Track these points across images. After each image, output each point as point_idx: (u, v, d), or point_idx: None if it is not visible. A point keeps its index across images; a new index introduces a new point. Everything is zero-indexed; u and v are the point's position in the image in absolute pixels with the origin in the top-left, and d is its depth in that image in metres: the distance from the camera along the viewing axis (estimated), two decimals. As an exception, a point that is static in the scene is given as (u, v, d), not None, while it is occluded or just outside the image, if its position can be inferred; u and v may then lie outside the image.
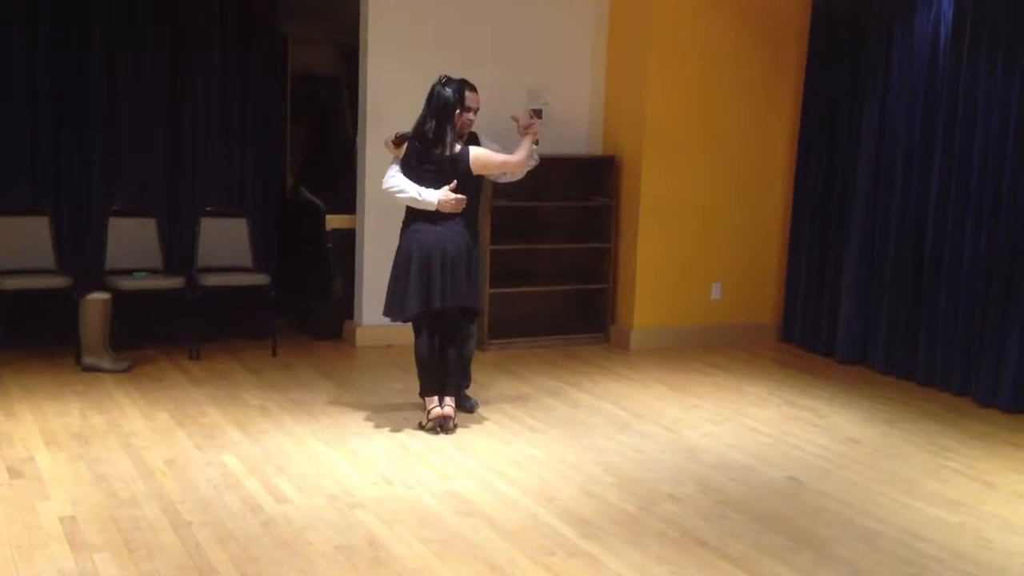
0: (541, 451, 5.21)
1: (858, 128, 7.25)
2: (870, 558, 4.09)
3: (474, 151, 5.36)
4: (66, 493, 4.40)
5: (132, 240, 6.78)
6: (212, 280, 6.77)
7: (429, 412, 5.42)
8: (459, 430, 5.47)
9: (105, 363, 6.30)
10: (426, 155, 5.29)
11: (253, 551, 3.91)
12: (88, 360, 6.30)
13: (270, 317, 6.95)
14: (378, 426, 5.50)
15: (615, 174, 7.52)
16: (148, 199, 6.90)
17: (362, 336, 7.24)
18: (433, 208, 5.25)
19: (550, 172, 7.42)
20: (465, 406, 5.73)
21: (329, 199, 7.54)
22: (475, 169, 5.34)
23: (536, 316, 7.61)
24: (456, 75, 7.18)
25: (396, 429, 5.46)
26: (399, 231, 5.46)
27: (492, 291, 7.22)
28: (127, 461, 4.81)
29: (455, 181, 5.25)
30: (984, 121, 6.37)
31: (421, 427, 5.45)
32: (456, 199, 5.24)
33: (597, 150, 7.74)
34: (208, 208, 6.97)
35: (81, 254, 6.73)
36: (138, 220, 6.82)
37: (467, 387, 5.84)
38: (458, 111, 5.32)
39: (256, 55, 7.16)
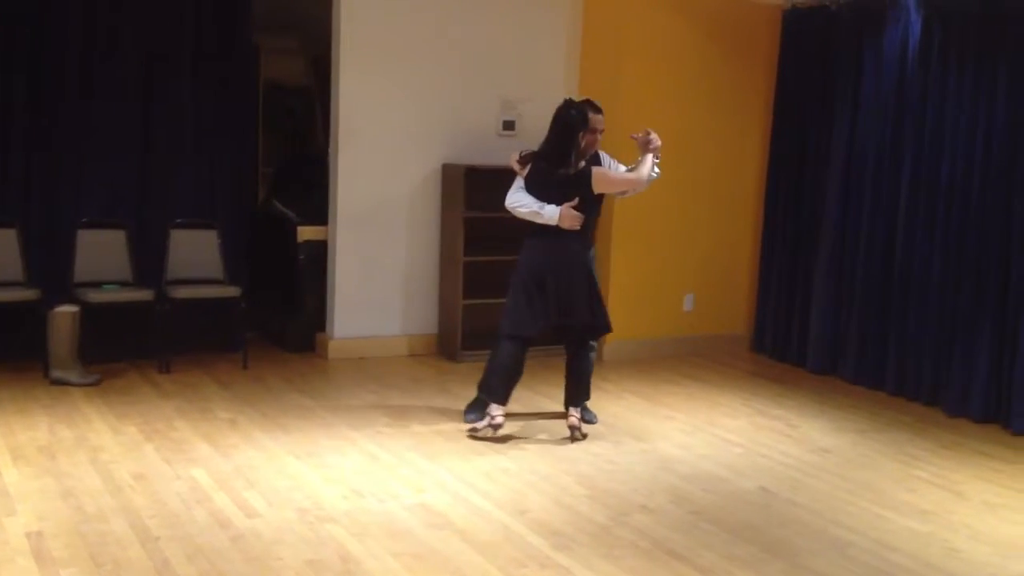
0: (514, 463, 5.20)
1: (828, 142, 7.31)
2: (841, 568, 4.11)
3: (596, 170, 5.49)
4: (33, 508, 4.34)
5: (101, 252, 6.72)
6: (182, 292, 6.72)
7: (494, 418, 5.48)
8: (431, 442, 5.46)
9: (73, 376, 6.24)
10: (550, 174, 5.42)
11: (222, 566, 3.87)
12: (56, 373, 6.24)
13: (241, 329, 6.91)
14: (350, 439, 5.47)
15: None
16: (118, 211, 6.84)
17: (334, 348, 7.21)
18: (554, 223, 5.37)
19: (523, 184, 7.45)
20: (586, 418, 5.78)
21: (301, 211, 7.52)
22: (596, 188, 5.47)
23: (509, 328, 7.58)
24: (429, 87, 7.27)
25: (368, 442, 5.43)
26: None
27: (466, 302, 7.21)
28: (95, 476, 4.76)
29: (576, 199, 5.38)
30: (952, 135, 6.44)
31: (476, 434, 5.50)
32: (575, 215, 5.36)
33: (569, 162, 7.74)
34: (178, 220, 6.92)
35: (49, 266, 6.65)
36: (107, 232, 6.75)
37: (587, 399, 5.84)
38: (582, 132, 5.44)
39: (228, 66, 7.13)
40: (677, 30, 7.51)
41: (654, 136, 5.65)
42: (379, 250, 7.28)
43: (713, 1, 7.59)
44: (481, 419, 5.62)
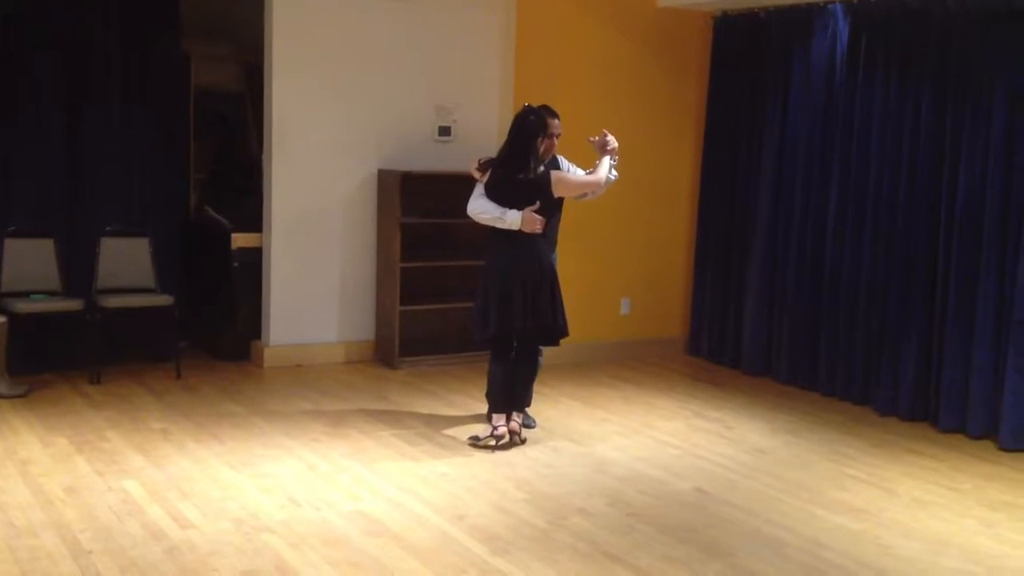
0: (452, 468, 5.19)
1: (759, 147, 7.42)
2: (776, 567, 4.16)
3: (555, 174, 5.56)
4: (-42, 524, 4.24)
5: (29, 261, 6.57)
6: (113, 301, 6.61)
7: (496, 428, 5.50)
8: (369, 449, 5.43)
9: (1, 388, 6.10)
10: (510, 180, 5.45)
11: (156, 579, 3.81)
12: (-18, 386, 6.10)
13: (174, 338, 6.81)
14: (286, 448, 5.42)
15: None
16: (46, 219, 6.70)
17: (270, 356, 7.14)
18: (516, 228, 5.41)
19: (460, 189, 7.42)
20: (526, 423, 5.78)
21: (235, 218, 7.43)
22: (556, 191, 5.54)
23: (447, 333, 7.58)
24: (363, 92, 7.23)
25: (304, 450, 5.39)
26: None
27: (402, 309, 7.18)
28: (24, 489, 4.66)
29: (537, 203, 5.44)
30: (879, 139, 6.57)
31: (477, 443, 5.51)
32: (537, 219, 5.43)
33: (505, 167, 7.76)
34: (109, 228, 6.80)
35: (-25, 277, 6.51)
36: (35, 241, 6.61)
37: (528, 405, 5.85)
38: (541, 137, 5.50)
39: (157, 73, 7.02)
40: (610, 37, 7.57)
41: (611, 138, 5.75)
42: (315, 257, 7.23)
43: (645, 8, 7.66)
44: (535, 423, 5.84)
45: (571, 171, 5.77)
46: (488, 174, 5.51)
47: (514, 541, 4.30)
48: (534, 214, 5.44)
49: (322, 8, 7.07)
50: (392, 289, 7.21)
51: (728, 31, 7.64)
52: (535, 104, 5.64)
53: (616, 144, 5.74)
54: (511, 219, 5.43)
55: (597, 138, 5.77)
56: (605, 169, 5.70)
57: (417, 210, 7.23)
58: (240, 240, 7.29)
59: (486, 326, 5.51)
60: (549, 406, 6.39)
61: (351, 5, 7.16)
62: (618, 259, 7.79)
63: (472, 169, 5.60)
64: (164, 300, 6.74)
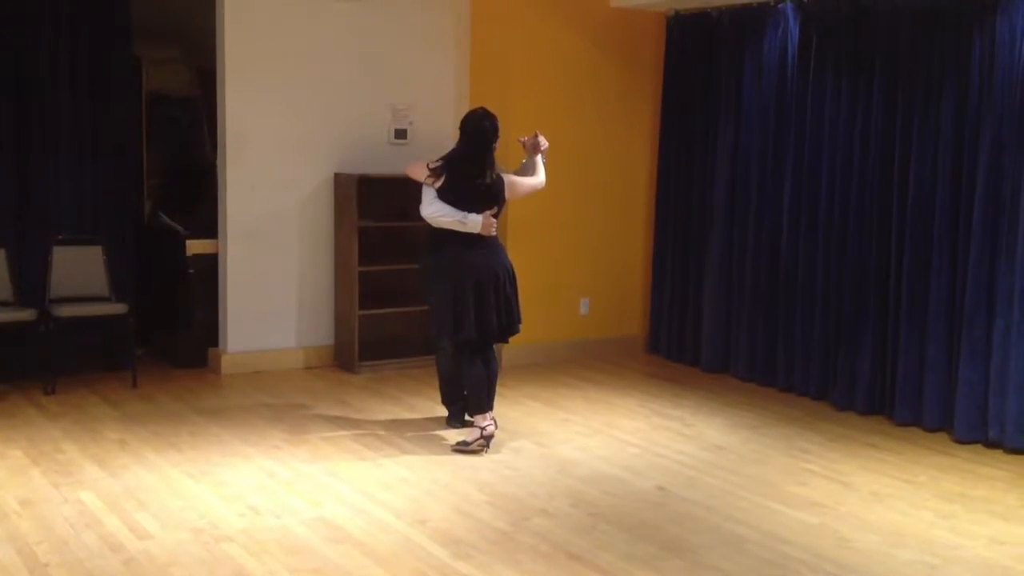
0: (414, 472, 5.18)
1: (713, 146, 7.47)
2: (737, 563, 4.19)
3: (508, 178, 5.65)
4: (-91, 541, 4.16)
5: (-21, 272, 6.49)
6: (66, 311, 6.52)
7: (484, 429, 5.53)
8: (330, 455, 5.40)
9: (-48, 401, 6.00)
10: (469, 184, 5.48)
11: (114, 591, 3.77)
12: (-67, 399, 5.99)
13: (129, 347, 6.73)
14: (245, 455, 5.38)
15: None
16: (-4, 228, 6.61)
17: (228, 363, 7.08)
18: (476, 231, 5.47)
19: (416, 192, 7.41)
20: (460, 422, 5.88)
21: (189, 224, 7.36)
22: (508, 195, 5.65)
23: (406, 337, 7.57)
24: (318, 96, 7.20)
25: (264, 457, 5.35)
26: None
27: (361, 313, 7.15)
28: (-23, 503, 4.59)
29: (496, 207, 5.55)
30: (831, 138, 6.64)
31: (465, 448, 5.51)
32: (494, 223, 5.54)
33: (462, 169, 7.76)
34: (61, 236, 6.71)
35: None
36: (-14, 251, 6.53)
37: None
38: (496, 142, 5.56)
39: (108, 78, 6.94)
40: (565, 37, 7.58)
41: (542, 139, 5.81)
42: (272, 262, 7.18)
43: (599, 8, 7.68)
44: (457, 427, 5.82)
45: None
46: (443, 179, 5.50)
47: (476, 544, 4.30)
48: (492, 218, 5.51)
49: (274, 10, 7.03)
50: (351, 293, 7.18)
51: (681, 31, 7.68)
52: (477, 108, 5.67)
53: (547, 144, 5.82)
54: (473, 222, 5.47)
55: (528, 138, 5.83)
56: (543, 171, 5.81)
57: (374, 213, 7.21)
58: (195, 247, 7.22)
59: (460, 329, 5.50)
60: (510, 407, 6.40)
61: (303, 7, 7.13)
62: (576, 259, 7.81)
63: (421, 173, 5.56)
64: (119, 308, 6.66)
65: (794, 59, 6.88)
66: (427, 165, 5.56)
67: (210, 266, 7.18)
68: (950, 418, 6.03)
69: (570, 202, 7.66)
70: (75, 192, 6.87)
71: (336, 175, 7.30)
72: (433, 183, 5.53)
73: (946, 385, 6.07)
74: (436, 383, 5.98)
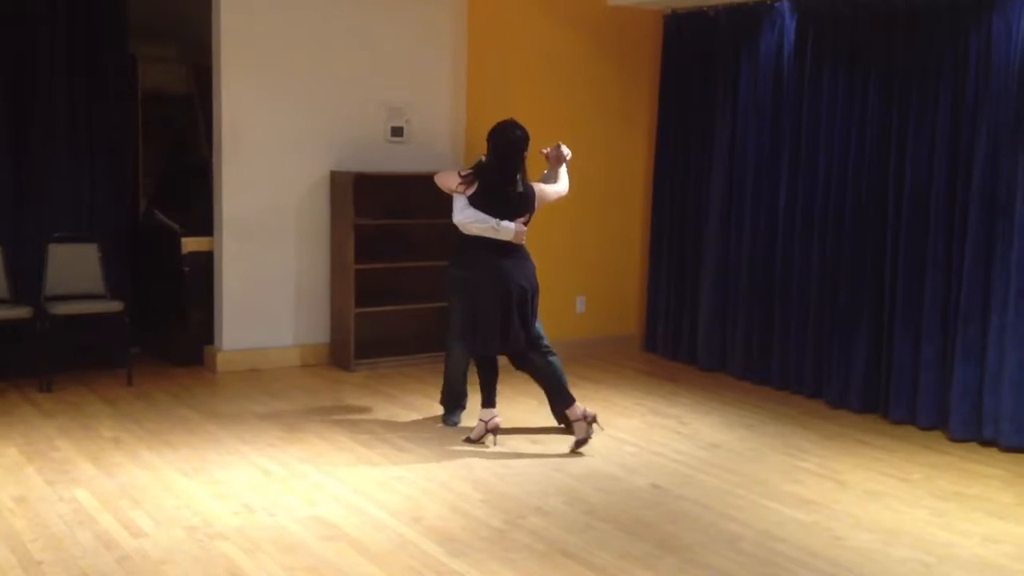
0: (409, 471, 5.18)
1: (711, 144, 7.46)
2: (731, 560, 4.20)
3: (538, 187, 5.73)
4: (-97, 539, 4.16)
5: (-25, 270, 6.48)
6: (62, 309, 6.52)
7: (489, 422, 5.64)
8: (325, 453, 5.40)
9: (-53, 399, 6.00)
10: (502, 192, 5.53)
11: (108, 589, 3.77)
12: (-72, 397, 5.99)
13: (125, 345, 6.72)
14: (240, 454, 5.38)
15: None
16: (-8, 226, 6.61)
17: (223, 361, 7.08)
18: (508, 238, 5.52)
19: (413, 190, 7.43)
20: (455, 423, 5.99)
21: (185, 222, 7.36)
22: (538, 203, 5.71)
23: (403, 335, 7.57)
24: (314, 93, 7.20)
25: (259, 455, 5.35)
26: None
27: (358, 311, 7.15)
28: (-29, 501, 4.59)
29: (528, 215, 5.62)
30: (827, 136, 6.64)
31: (476, 441, 5.63)
32: (525, 230, 5.60)
33: (459, 167, 7.74)
34: (57, 234, 6.70)
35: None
36: (-19, 249, 6.52)
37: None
38: (527, 150, 5.58)
39: (104, 76, 6.93)
40: (562, 36, 7.59)
41: (565, 149, 5.87)
42: (267, 260, 7.17)
43: (595, 6, 7.68)
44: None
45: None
46: (475, 186, 5.53)
47: (471, 542, 4.30)
48: (523, 225, 5.58)
49: (270, 8, 7.02)
50: (347, 291, 7.17)
51: (678, 29, 7.69)
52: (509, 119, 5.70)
53: (570, 154, 5.88)
54: (505, 229, 5.51)
55: (550, 149, 5.88)
56: (566, 178, 5.89)
57: (371, 211, 7.20)
58: (191, 244, 7.22)
59: (498, 340, 5.56)
60: (507, 406, 6.38)
61: (300, 4, 7.12)
62: (573, 258, 7.81)
63: (453, 183, 5.58)
64: (114, 306, 6.65)
65: (790, 57, 6.88)
66: (458, 173, 5.60)
67: (206, 264, 7.18)
68: (945, 416, 6.03)
69: (566, 200, 7.61)
70: (71, 190, 6.86)
71: (332, 173, 7.30)
72: (464, 191, 5.55)
73: (941, 383, 6.08)
74: (433, 381, 6.00)
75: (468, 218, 5.56)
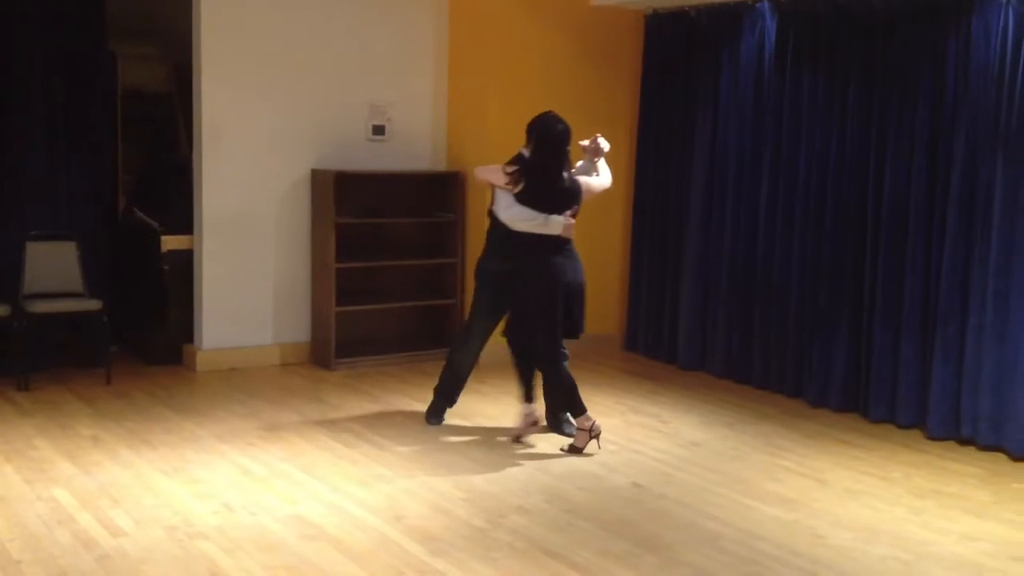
0: (390, 470, 5.17)
1: (691, 144, 7.48)
2: (712, 559, 4.21)
3: (583, 180, 5.69)
4: None
5: (-48, 268, 6.43)
6: (40, 307, 6.47)
7: (593, 426, 5.57)
8: (306, 452, 5.39)
9: (-77, 398, 5.95)
10: (549, 186, 5.48)
11: (87, 588, 3.75)
12: (-96, 396, 5.94)
13: (103, 344, 6.68)
14: (220, 453, 5.35)
15: (459, 190, 7.54)
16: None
17: (203, 360, 7.04)
18: (557, 233, 5.47)
19: (394, 188, 7.43)
20: (439, 420, 5.99)
21: (164, 220, 7.32)
22: (584, 196, 5.66)
23: (383, 334, 7.56)
24: (295, 91, 7.18)
25: (239, 455, 5.32)
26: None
27: (339, 310, 7.13)
28: (-52, 501, 4.55)
29: (575, 207, 5.56)
30: (808, 135, 6.67)
31: (575, 449, 5.55)
32: (573, 224, 5.54)
33: (441, 166, 7.76)
34: (34, 232, 6.65)
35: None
36: (-42, 247, 6.47)
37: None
38: (570, 144, 5.54)
39: (82, 74, 6.88)
40: (544, 35, 7.58)
41: (603, 141, 5.85)
42: (248, 258, 7.14)
43: (577, 6, 7.69)
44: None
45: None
46: (523, 184, 5.47)
47: (452, 541, 4.30)
48: (572, 218, 5.54)
49: (251, 6, 6.99)
50: (327, 290, 7.15)
51: (659, 29, 7.70)
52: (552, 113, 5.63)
53: (608, 147, 5.87)
54: (554, 223, 5.47)
55: (588, 142, 5.85)
56: (607, 170, 5.89)
57: (352, 210, 7.19)
58: (170, 242, 7.18)
59: (551, 336, 5.56)
60: (489, 404, 6.39)
61: (281, 3, 7.09)
62: (554, 257, 7.79)
63: (501, 180, 5.51)
64: (93, 305, 6.61)
65: (771, 58, 6.90)
66: (503, 171, 5.53)
67: (185, 262, 7.14)
68: (923, 415, 6.07)
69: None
70: (49, 188, 6.82)
71: (313, 171, 7.28)
72: (512, 188, 5.50)
73: (920, 383, 6.11)
74: (414, 380, 5.97)
75: (516, 215, 5.50)
